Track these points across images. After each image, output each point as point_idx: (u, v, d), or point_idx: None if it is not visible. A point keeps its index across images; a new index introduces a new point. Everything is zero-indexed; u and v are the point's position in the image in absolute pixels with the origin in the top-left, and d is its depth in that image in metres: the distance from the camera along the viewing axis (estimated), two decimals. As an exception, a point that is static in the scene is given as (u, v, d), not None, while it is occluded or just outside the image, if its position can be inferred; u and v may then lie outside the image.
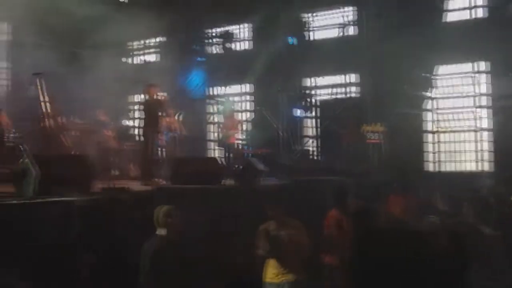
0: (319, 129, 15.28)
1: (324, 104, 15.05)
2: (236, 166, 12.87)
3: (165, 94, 11.02)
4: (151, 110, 10.63)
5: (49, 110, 10.70)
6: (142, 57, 18.81)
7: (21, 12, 12.85)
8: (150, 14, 13.65)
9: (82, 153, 11.41)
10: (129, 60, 19.03)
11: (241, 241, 6.85)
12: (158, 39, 18.61)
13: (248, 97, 17.25)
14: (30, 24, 13.23)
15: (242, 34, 17.18)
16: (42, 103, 10.61)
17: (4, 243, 5.40)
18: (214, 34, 17.33)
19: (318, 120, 15.29)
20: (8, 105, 12.65)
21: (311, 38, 15.56)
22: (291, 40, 14.92)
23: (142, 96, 13.90)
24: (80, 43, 15.12)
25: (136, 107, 18.59)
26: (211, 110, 17.60)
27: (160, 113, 10.90)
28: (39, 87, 10.23)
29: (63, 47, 14.31)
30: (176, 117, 12.84)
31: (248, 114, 16.90)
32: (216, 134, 16.53)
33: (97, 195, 7.69)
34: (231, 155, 13.55)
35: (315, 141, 15.36)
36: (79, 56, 15.19)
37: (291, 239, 6.31)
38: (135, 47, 19.23)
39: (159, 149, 11.90)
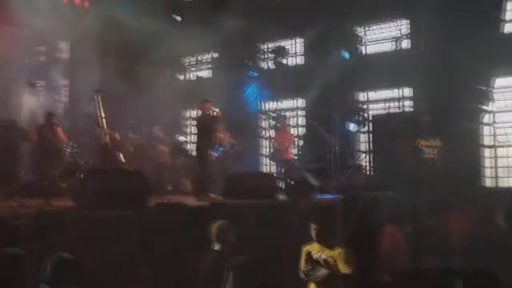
0: (372, 144, 15.11)
1: (378, 119, 14.90)
2: (289, 181, 12.88)
3: (219, 109, 11.11)
4: (205, 126, 10.77)
5: (106, 126, 10.98)
6: (196, 73, 19.06)
7: (79, 30, 13.27)
8: (203, 30, 13.87)
9: (138, 168, 11.65)
10: (183, 76, 19.32)
11: (291, 259, 6.74)
12: (211, 55, 18.85)
13: (300, 112, 17.24)
14: (88, 42, 13.64)
15: (295, 49, 17.22)
16: (100, 119, 10.88)
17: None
18: (267, 49, 17.43)
19: (372, 135, 15.13)
20: (67, 120, 13.03)
21: (365, 52, 15.45)
22: (344, 54, 14.83)
23: (197, 111, 14.11)
24: (136, 60, 15.44)
25: (190, 122, 18.85)
26: (264, 125, 17.66)
27: (214, 129, 11.02)
28: (99, 103, 10.51)
29: (120, 64, 14.66)
30: (227, 133, 12.96)
31: (301, 129, 16.88)
32: (269, 149, 16.57)
33: (152, 210, 7.82)
34: (283, 170, 13.56)
35: (368, 156, 15.20)
36: (135, 72, 15.53)
37: (334, 262, 6.05)
38: (189, 63, 19.53)
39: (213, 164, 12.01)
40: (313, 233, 6.26)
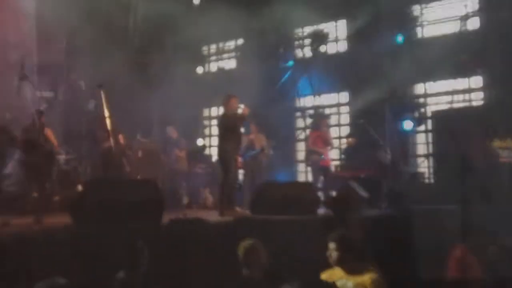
0: (433, 146, 14.86)
1: (440, 115, 14.64)
2: (331, 192, 12.72)
3: (246, 106, 10.96)
4: (231, 126, 10.63)
5: (111, 127, 10.93)
6: (219, 64, 19.04)
7: (79, 14, 13.25)
8: (226, 13, 13.79)
9: (148, 177, 11.56)
10: (204, 68, 19.29)
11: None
12: (237, 43, 18.79)
13: (344, 108, 17.07)
14: (89, 28, 13.61)
15: (338, 33, 17.03)
16: (104, 119, 10.83)
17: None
18: (304, 35, 17.29)
19: (432, 135, 14.89)
20: (62, 121, 13.00)
21: (423, 35, 15.23)
22: (398, 39, 14.63)
23: (220, 109, 14.04)
24: (146, 49, 15.45)
25: (212, 122, 18.84)
26: (301, 125, 17.51)
27: (240, 129, 10.90)
28: (102, 100, 10.47)
29: (127, 54, 14.64)
30: (259, 134, 12.89)
31: (345, 128, 16.68)
32: (306, 153, 16.42)
33: (166, 227, 7.71)
34: (323, 178, 13.42)
35: (428, 161, 14.96)
36: (145, 64, 15.51)
37: None
38: (210, 52, 19.52)
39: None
40: (332, 255, 5.99)
